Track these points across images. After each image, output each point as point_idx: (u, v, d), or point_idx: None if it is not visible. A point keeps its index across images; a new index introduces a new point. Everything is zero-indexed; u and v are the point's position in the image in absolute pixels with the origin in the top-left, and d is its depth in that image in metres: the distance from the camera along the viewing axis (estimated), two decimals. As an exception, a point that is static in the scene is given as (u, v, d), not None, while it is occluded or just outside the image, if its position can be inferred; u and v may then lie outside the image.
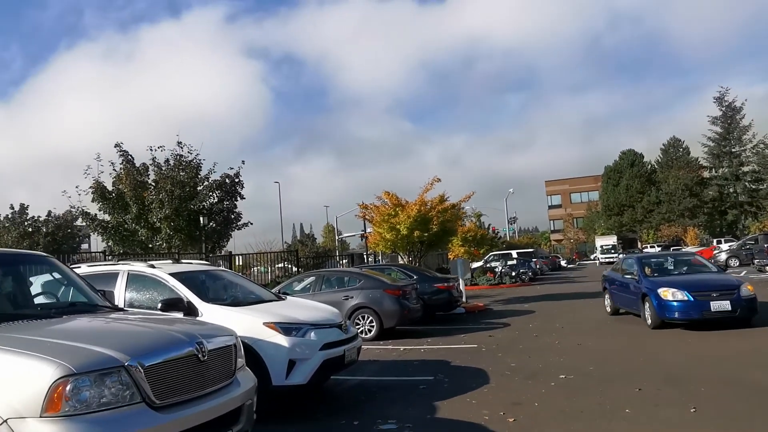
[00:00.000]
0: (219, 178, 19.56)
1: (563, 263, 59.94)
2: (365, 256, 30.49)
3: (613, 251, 63.59)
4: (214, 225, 19.94)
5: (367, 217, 19.32)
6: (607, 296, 13.66)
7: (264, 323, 6.09)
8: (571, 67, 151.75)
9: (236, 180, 20.11)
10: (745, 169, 71.54)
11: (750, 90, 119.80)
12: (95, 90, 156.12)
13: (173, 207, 17.49)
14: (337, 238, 67.21)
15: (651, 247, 69.43)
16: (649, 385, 6.46)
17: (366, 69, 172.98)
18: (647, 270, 11.76)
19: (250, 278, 21.72)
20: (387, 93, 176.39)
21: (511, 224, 73.16)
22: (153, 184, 18.97)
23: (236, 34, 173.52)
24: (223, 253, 21.60)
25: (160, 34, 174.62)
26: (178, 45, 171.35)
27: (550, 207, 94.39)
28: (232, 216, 20.72)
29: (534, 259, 35.98)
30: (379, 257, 31.99)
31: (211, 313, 6.18)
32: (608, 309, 13.44)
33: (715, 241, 43.46)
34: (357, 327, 11.64)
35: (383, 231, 17.80)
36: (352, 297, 11.89)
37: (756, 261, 23.93)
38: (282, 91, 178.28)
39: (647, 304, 10.69)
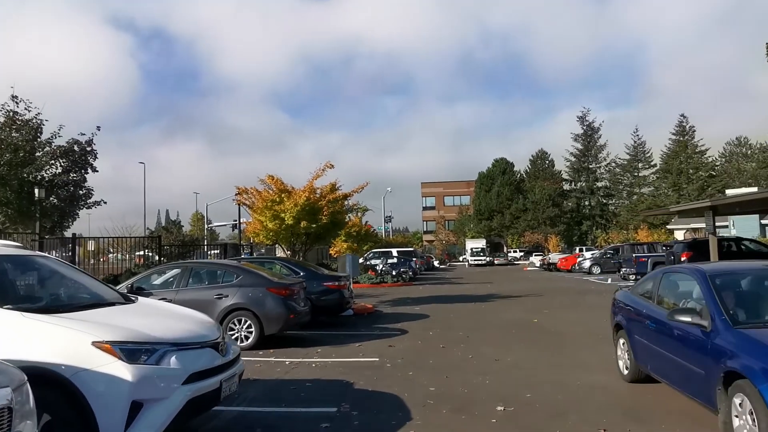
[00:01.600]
0: (65, 144, 16.10)
1: (436, 263, 61.00)
2: (241, 247, 27.68)
3: (482, 254, 66.07)
4: (55, 200, 16.42)
5: (246, 202, 16.92)
6: (622, 344, 6.88)
7: (94, 342, 3.89)
8: (445, 77, 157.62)
9: (88, 149, 16.75)
10: (599, 184, 78.35)
11: (596, 115, 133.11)
12: None
13: (-4, 173, 13.92)
14: (206, 226, 62.68)
15: (514, 251, 73.41)
16: (610, 422, 5.21)
17: (243, 55, 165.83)
18: (729, 304, 4.96)
19: (94, 267, 18.31)
20: (264, 82, 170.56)
21: (387, 223, 73.31)
22: (-29, 144, 15.09)
23: (99, 2, 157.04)
24: (65, 234, 17.95)
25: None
26: (28, 4, 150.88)
27: (425, 208, 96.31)
28: (81, 192, 17.28)
29: (414, 259, 35.46)
30: (252, 250, 29.34)
31: (1, 326, 3.86)
32: (624, 370, 6.80)
33: (577, 249, 46.12)
34: (231, 333, 9.50)
35: (265, 219, 15.56)
36: (226, 296, 9.69)
37: (623, 269, 25.05)
38: (151, 69, 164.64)
39: (742, 402, 4.14)
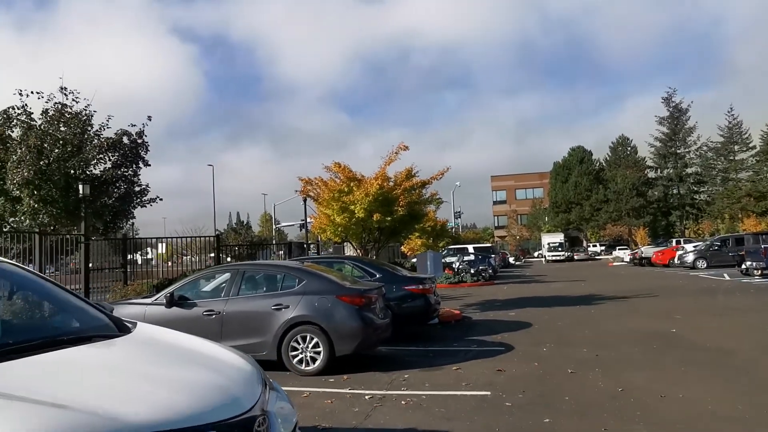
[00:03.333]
0: (113, 136, 14.73)
1: (512, 260, 57.77)
2: (307, 246, 25.91)
3: (560, 249, 62.26)
4: (106, 198, 15.11)
5: (311, 193, 14.96)
6: None
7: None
8: (505, 68, 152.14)
9: (139, 141, 15.34)
10: (689, 170, 71.93)
11: (683, 96, 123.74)
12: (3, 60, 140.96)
13: (37, 169, 12.58)
14: (274, 227, 62.31)
15: (594, 245, 68.66)
16: None
17: (300, 58, 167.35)
18: None
19: (168, 270, 16.93)
20: (322, 83, 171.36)
21: (457, 218, 70.43)
22: (18, 140, 13.97)
23: (165, 14, 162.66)
24: (120, 236, 16.70)
25: (79, 6, 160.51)
26: (99, 20, 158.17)
27: (495, 203, 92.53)
28: (136, 188, 15.93)
29: (493, 255, 32.72)
30: (318, 248, 27.55)
31: None
32: None
33: (674, 241, 41.69)
34: (294, 354, 7.45)
35: (332, 212, 13.53)
36: (287, 306, 7.63)
37: (747, 263, 21.35)
38: (215, 76, 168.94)
39: None
